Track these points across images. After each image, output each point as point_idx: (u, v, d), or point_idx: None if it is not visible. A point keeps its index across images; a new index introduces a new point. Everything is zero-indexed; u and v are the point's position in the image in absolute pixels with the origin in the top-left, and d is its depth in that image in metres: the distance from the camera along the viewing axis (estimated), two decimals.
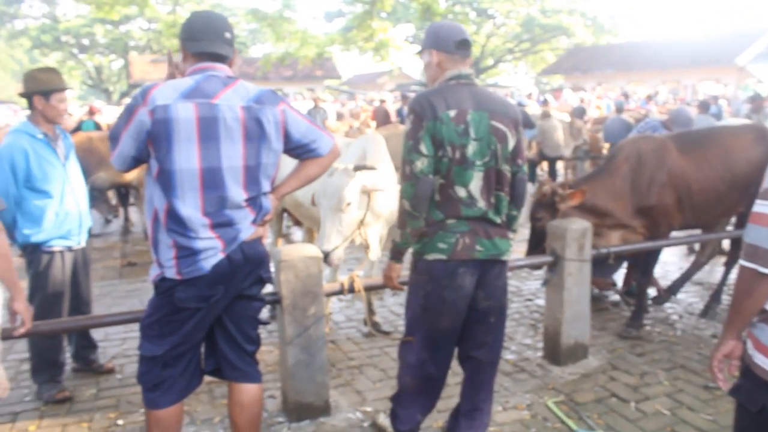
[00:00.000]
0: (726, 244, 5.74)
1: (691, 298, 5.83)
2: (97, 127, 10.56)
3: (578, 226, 4.16)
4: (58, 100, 3.73)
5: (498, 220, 2.92)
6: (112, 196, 9.90)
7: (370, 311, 4.92)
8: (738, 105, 15.11)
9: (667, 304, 5.62)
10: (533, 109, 13.82)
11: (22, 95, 3.78)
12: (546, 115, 11.03)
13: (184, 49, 2.65)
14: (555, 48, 41.58)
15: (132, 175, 8.07)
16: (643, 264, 4.97)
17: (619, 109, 10.60)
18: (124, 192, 9.69)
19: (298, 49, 16.35)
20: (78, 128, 10.04)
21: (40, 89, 3.69)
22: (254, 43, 45.40)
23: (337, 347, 4.75)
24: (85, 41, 39.52)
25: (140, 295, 6.04)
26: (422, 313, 2.96)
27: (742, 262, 2.03)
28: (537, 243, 4.68)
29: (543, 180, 4.98)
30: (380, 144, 4.44)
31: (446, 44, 2.89)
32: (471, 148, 2.80)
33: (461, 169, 2.80)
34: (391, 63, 20.09)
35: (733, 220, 5.59)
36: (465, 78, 2.89)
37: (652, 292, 5.63)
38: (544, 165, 12.04)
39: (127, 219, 9.67)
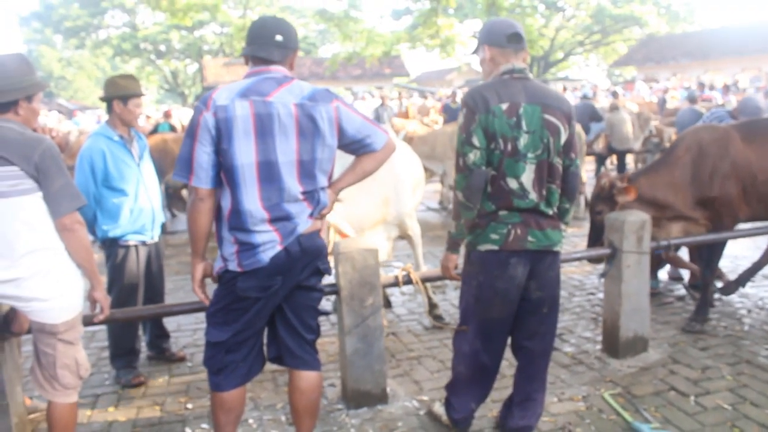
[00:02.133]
0: None
1: (762, 292, 5.67)
2: (172, 129, 11.02)
3: (636, 218, 4.14)
4: (135, 104, 4.02)
5: (550, 212, 2.98)
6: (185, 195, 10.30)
7: (431, 303, 5.01)
8: None
9: (736, 299, 5.49)
10: (602, 102, 13.58)
11: (103, 99, 4.07)
12: (614, 108, 10.83)
13: (244, 53, 2.82)
14: (627, 39, 40.49)
15: None
16: (707, 257, 4.88)
17: (692, 100, 10.31)
18: None
19: (365, 48, 16.56)
20: (154, 130, 10.51)
21: (119, 94, 3.97)
22: (323, 44, 46.07)
23: (398, 339, 4.86)
24: (162, 47, 41.12)
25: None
26: (475, 303, 3.05)
27: None
28: (597, 236, 4.67)
29: (602, 173, 4.95)
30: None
31: (498, 39, 2.96)
32: (523, 141, 2.86)
33: (513, 161, 2.87)
34: (458, 59, 20.06)
35: None
36: (519, 72, 2.95)
37: (719, 284, 5.51)
38: (614, 158, 11.83)
39: None
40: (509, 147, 2.86)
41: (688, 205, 4.59)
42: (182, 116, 15.02)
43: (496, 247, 2.91)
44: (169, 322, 4.86)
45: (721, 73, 28.23)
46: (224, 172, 2.67)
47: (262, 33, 2.77)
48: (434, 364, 4.35)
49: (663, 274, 6.09)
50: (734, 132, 4.71)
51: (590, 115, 10.87)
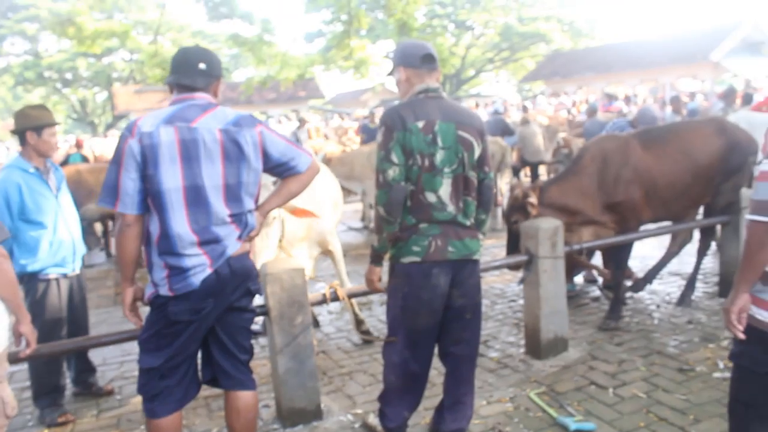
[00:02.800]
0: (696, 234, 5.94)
1: (668, 288, 6.04)
2: (84, 159, 10.73)
3: (549, 224, 4.36)
4: (50, 134, 3.94)
5: (467, 223, 3.12)
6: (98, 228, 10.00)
7: (357, 319, 5.09)
8: (714, 100, 15.39)
9: (646, 295, 5.82)
10: (513, 116, 14.07)
11: (14, 132, 3.98)
12: (525, 122, 11.28)
13: (167, 81, 2.88)
14: (534, 55, 42.04)
15: None
16: (616, 258, 5.18)
17: (591, 112, 10.86)
18: (114, 223, 9.83)
19: (279, 72, 16.59)
20: (65, 161, 10.20)
21: (32, 125, 3.88)
22: (237, 68, 45.68)
23: (328, 356, 4.92)
24: (68, 75, 39.67)
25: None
26: (402, 314, 3.15)
27: (751, 217, 2.28)
28: (514, 245, 4.88)
29: (515, 184, 5.19)
30: None
31: (412, 60, 3.11)
32: (439, 156, 3.00)
33: (430, 176, 3.00)
34: (372, 80, 20.34)
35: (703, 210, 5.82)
36: (433, 91, 3.10)
37: (629, 283, 5.83)
38: (527, 170, 12.27)
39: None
40: (426, 162, 2.99)
41: (596, 210, 4.88)
42: (93, 146, 14.61)
43: (418, 259, 3.03)
44: (95, 356, 4.75)
45: (623, 85, 29.67)
46: (151, 198, 2.70)
47: (186, 61, 2.84)
48: (366, 379, 4.43)
49: (579, 278, 6.39)
50: (634, 140, 5.05)
51: (502, 130, 11.26)
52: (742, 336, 2.43)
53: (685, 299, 5.48)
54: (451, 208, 3.05)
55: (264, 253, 4.04)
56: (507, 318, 5.54)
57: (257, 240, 4.03)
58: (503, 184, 10.37)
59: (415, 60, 3.09)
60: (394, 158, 2.97)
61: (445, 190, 3.03)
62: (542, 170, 12.17)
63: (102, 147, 14.45)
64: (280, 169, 2.95)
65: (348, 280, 5.30)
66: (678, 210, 5.26)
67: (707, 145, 5.07)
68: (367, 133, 13.32)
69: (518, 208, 4.79)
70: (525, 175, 13.10)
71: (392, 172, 2.97)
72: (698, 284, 5.86)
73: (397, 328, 3.21)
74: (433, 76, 3.13)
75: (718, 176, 5.11)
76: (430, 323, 3.14)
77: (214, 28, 31.41)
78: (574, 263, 5.34)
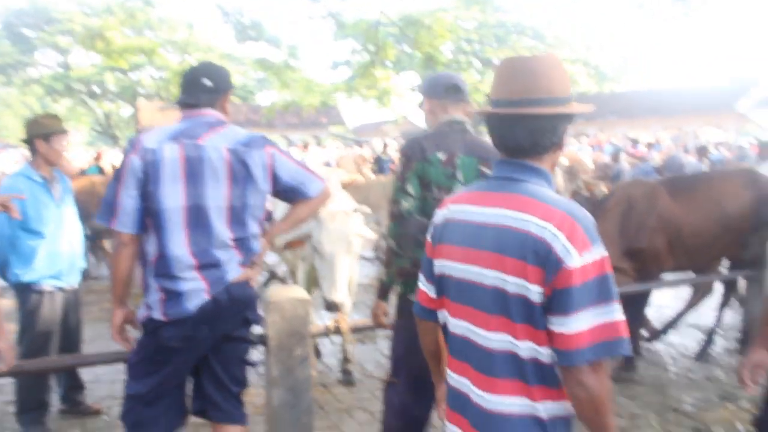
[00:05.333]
0: (719, 287, 5.72)
1: (686, 340, 5.80)
2: (101, 172, 10.72)
3: None
4: (58, 142, 3.86)
5: None
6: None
7: (346, 356, 4.93)
8: (743, 151, 15.18)
9: (662, 347, 5.60)
10: None
11: (25, 140, 3.90)
12: None
13: (176, 101, 2.80)
14: None
15: None
16: (633, 307, 4.96)
17: (615, 157, 10.68)
18: None
19: (303, 97, 16.63)
20: (83, 173, 10.20)
21: (41, 132, 3.82)
22: (261, 90, 46.12)
23: (327, 390, 4.73)
24: (96, 88, 40.17)
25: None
26: (406, 355, 2.98)
27: None
28: None
29: None
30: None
31: (436, 91, 3.00)
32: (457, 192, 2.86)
33: None
34: (394, 111, 20.36)
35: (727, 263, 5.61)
36: (458, 124, 2.97)
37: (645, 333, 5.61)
38: None
39: None
40: (444, 196, 2.85)
41: (617, 256, 4.69)
42: (112, 159, 14.66)
43: None
44: (87, 372, 4.59)
45: (646, 131, 29.53)
46: (150, 216, 2.58)
47: (190, 79, 2.77)
48: (364, 416, 4.24)
49: None
50: (661, 187, 4.88)
51: None
52: (750, 391, 2.33)
53: (703, 354, 5.25)
54: None
55: (344, 286, 3.92)
56: None
57: (338, 271, 3.90)
58: None
59: (439, 90, 2.98)
60: (410, 189, 2.84)
61: None
62: None
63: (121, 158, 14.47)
64: (289, 194, 2.83)
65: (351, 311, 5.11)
66: (701, 261, 5.06)
67: (737, 196, 4.90)
68: (379, 165, 13.24)
69: None
70: None
71: (406, 204, 2.84)
72: (718, 339, 5.62)
73: (401, 369, 3.03)
74: (459, 107, 3.01)
75: (746, 228, 4.91)
76: None
77: (242, 51, 31.68)
78: None
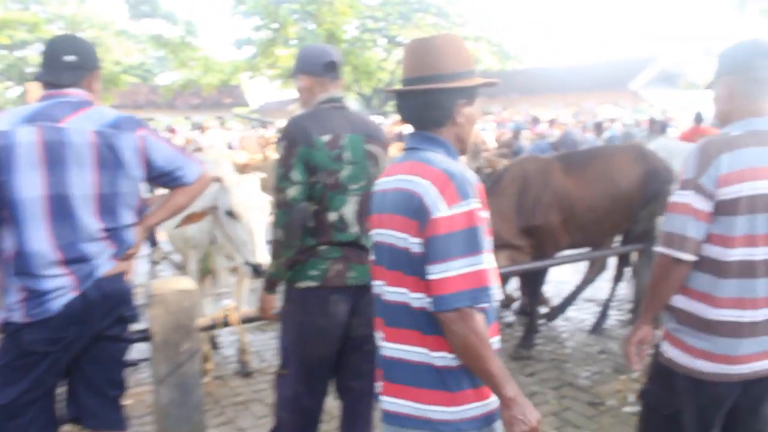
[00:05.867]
0: (612, 261, 5.88)
1: (582, 314, 5.94)
2: None
3: None
4: None
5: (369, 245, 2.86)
6: None
7: (242, 347, 4.78)
8: (629, 128, 15.78)
9: (560, 322, 5.70)
10: None
11: None
12: None
13: (35, 78, 2.56)
14: None
15: None
16: (531, 284, 5.02)
17: (516, 135, 10.84)
18: None
19: (202, 77, 16.03)
20: None
21: None
22: (162, 71, 44.45)
23: (224, 383, 4.55)
24: None
25: None
26: (296, 344, 2.85)
27: (658, 249, 2.20)
28: None
29: None
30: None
31: (314, 67, 2.82)
32: (345, 173, 2.74)
33: (335, 194, 2.73)
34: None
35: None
36: (337, 101, 2.83)
37: (544, 309, 5.71)
38: None
39: None
40: (332, 180, 2.72)
41: (513, 234, 4.70)
42: None
43: (315, 284, 2.75)
44: None
45: (546, 108, 30.37)
46: (5, 208, 2.32)
47: (52, 54, 2.51)
48: (262, 409, 4.09)
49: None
50: (555, 163, 4.91)
51: None
52: (637, 367, 2.38)
53: (598, 327, 5.39)
54: (354, 228, 2.78)
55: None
56: None
57: (260, 236, 3.73)
58: None
59: (318, 67, 2.81)
60: (295, 176, 2.67)
61: (349, 209, 2.76)
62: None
63: None
64: (165, 179, 2.63)
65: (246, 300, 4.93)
66: (596, 236, 5.15)
67: (628, 171, 4.99)
68: None
69: None
70: None
71: (293, 192, 2.67)
72: (612, 312, 5.78)
73: (290, 359, 2.90)
74: (337, 85, 2.87)
75: (636, 203, 5.03)
76: (326, 354, 2.85)
77: (138, 27, 30.37)
78: None
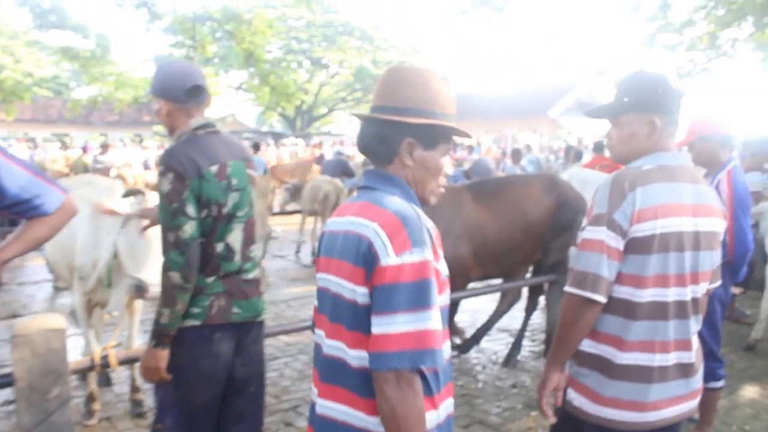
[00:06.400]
0: (526, 291, 5.80)
1: (496, 346, 5.83)
2: None
3: None
4: None
5: (251, 276, 2.65)
6: None
7: (134, 385, 4.41)
8: (547, 155, 16.11)
9: (473, 354, 5.57)
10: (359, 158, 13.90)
11: None
12: (366, 164, 11.02)
13: None
14: None
15: None
16: None
17: None
18: None
19: (114, 93, 15.36)
20: None
21: None
22: (79, 85, 42.87)
23: (112, 425, 4.17)
24: None
25: None
26: (176, 391, 2.58)
27: (568, 289, 2.04)
28: None
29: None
30: None
31: (175, 93, 2.55)
32: (232, 201, 2.54)
33: (223, 225, 2.53)
34: (218, 111, 19.57)
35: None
36: (212, 126, 2.61)
37: (458, 341, 5.56)
38: None
39: None
40: (221, 211, 2.50)
41: None
42: None
43: (198, 323, 2.49)
44: None
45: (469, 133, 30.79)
46: None
47: None
48: None
49: None
50: (466, 192, 4.78)
51: (343, 171, 10.99)
52: (552, 420, 2.22)
53: (511, 360, 5.27)
54: (238, 257, 2.58)
55: None
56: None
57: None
58: None
59: (179, 93, 2.54)
60: (191, 211, 2.42)
61: (235, 237, 2.57)
62: None
63: None
64: (20, 208, 2.30)
65: (137, 337, 4.52)
66: (508, 267, 5.05)
67: (538, 201, 4.91)
68: None
69: None
70: None
71: (189, 228, 2.41)
72: (526, 342, 5.69)
73: (169, 409, 2.61)
74: (202, 109, 2.63)
75: (547, 233, 4.95)
76: (211, 399, 2.60)
77: (48, 38, 29.18)
78: None
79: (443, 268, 1.65)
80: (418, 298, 1.49)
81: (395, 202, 1.62)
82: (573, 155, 12.16)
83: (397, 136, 1.67)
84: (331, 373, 1.65)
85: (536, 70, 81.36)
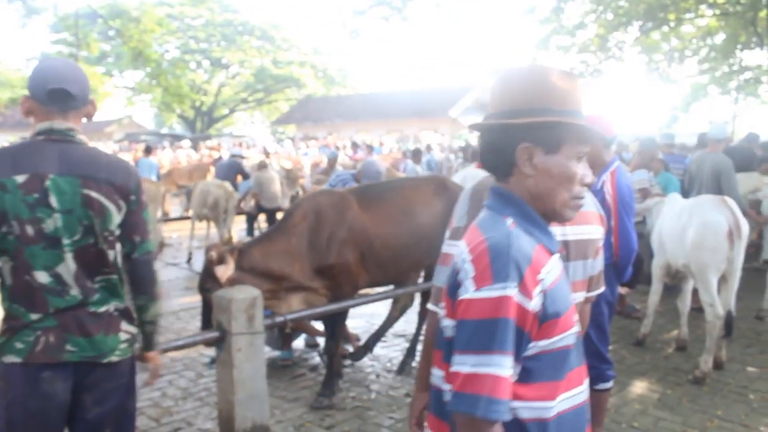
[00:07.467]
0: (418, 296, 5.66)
1: (392, 352, 5.66)
2: None
3: (246, 295, 3.68)
4: None
5: (102, 310, 2.31)
6: None
7: None
8: (446, 154, 16.22)
9: (367, 362, 5.38)
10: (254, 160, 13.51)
11: None
12: (262, 166, 10.65)
13: None
14: (288, 98, 42.52)
15: None
16: (329, 326, 4.64)
17: (333, 160, 10.63)
18: None
19: None
20: None
21: None
22: None
23: None
24: None
25: None
26: (7, 428, 2.25)
27: (430, 306, 1.94)
28: (208, 317, 4.12)
29: (210, 245, 4.43)
30: None
31: (37, 91, 2.23)
32: (53, 223, 2.18)
33: (40, 249, 2.17)
34: (112, 112, 18.61)
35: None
36: (58, 133, 2.24)
37: (350, 348, 5.37)
38: (264, 217, 11.66)
39: None
40: (30, 231, 2.15)
41: (306, 275, 4.29)
42: None
43: (19, 360, 2.17)
44: None
45: (370, 133, 30.81)
46: None
47: None
48: None
49: (300, 341, 5.80)
50: (352, 197, 4.58)
51: (237, 172, 10.61)
52: None
53: (404, 368, 5.11)
54: (75, 291, 2.23)
55: None
56: (211, 395, 4.72)
57: None
58: (226, 233, 9.66)
59: (40, 93, 2.21)
60: None
61: (66, 267, 2.21)
62: (280, 217, 11.63)
63: None
64: None
65: None
66: (398, 273, 4.87)
67: (428, 204, 4.77)
68: None
69: (212, 274, 4.04)
70: (262, 222, 12.51)
71: None
72: (420, 348, 5.55)
73: None
74: (69, 116, 2.28)
75: (438, 238, 4.81)
76: None
77: None
78: (295, 327, 4.74)
79: (556, 304, 1.40)
80: (487, 339, 1.31)
81: (495, 225, 1.43)
82: (471, 154, 12.22)
83: (510, 143, 1.45)
84: (433, 402, 1.61)
85: (437, 70, 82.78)
